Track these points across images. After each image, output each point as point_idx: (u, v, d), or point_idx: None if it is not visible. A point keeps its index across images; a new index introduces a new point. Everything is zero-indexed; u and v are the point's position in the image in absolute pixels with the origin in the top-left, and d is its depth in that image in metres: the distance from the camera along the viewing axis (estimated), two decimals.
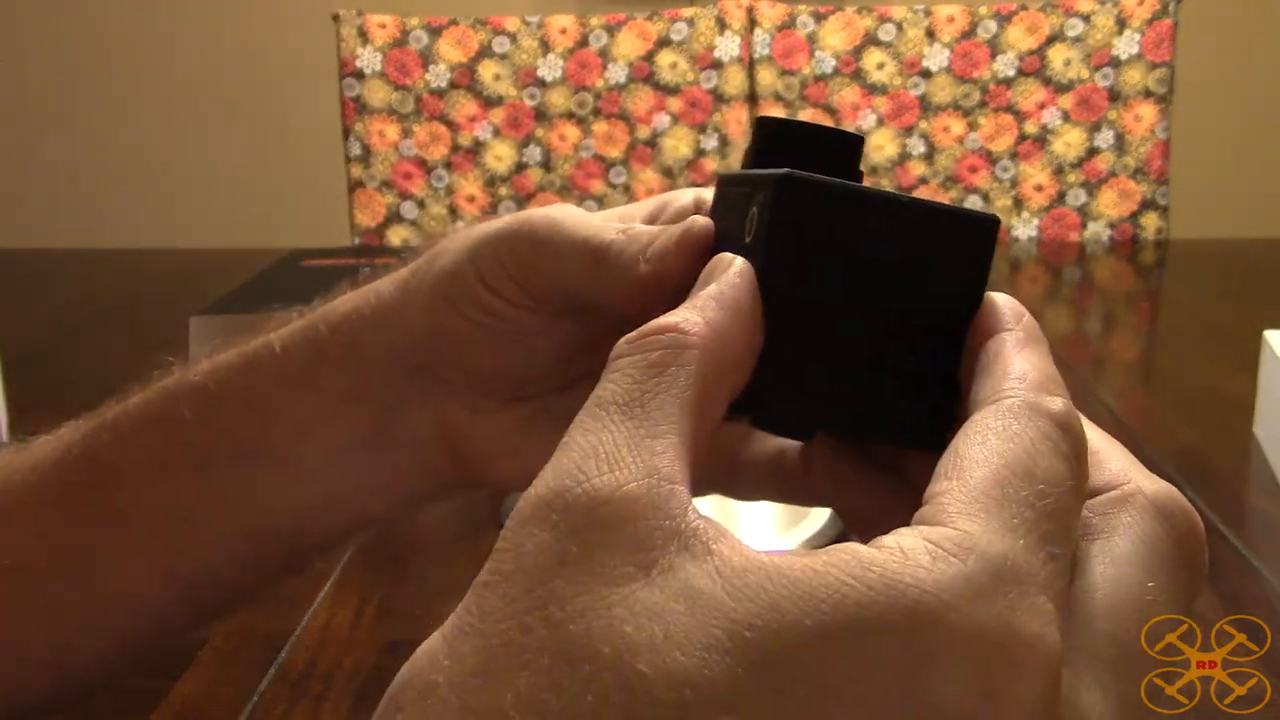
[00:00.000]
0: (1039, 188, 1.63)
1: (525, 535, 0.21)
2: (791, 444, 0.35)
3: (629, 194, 1.64)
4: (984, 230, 0.28)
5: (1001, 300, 0.28)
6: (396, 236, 1.64)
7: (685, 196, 0.36)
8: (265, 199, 2.54)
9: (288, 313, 0.39)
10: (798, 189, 0.26)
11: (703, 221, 0.32)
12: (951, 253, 0.27)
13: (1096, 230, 1.62)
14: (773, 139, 0.29)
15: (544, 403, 0.38)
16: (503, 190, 1.65)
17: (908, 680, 0.19)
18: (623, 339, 0.24)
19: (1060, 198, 1.62)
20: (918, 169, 1.63)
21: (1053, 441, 0.22)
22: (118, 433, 0.38)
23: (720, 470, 0.36)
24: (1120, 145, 1.61)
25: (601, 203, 1.64)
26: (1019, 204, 1.63)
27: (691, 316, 0.24)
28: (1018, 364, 0.25)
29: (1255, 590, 0.61)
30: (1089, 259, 1.54)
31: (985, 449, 0.22)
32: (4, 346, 0.84)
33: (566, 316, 0.36)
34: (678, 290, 0.28)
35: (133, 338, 1.16)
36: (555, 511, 0.21)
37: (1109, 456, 0.25)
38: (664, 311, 0.25)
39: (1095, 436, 0.26)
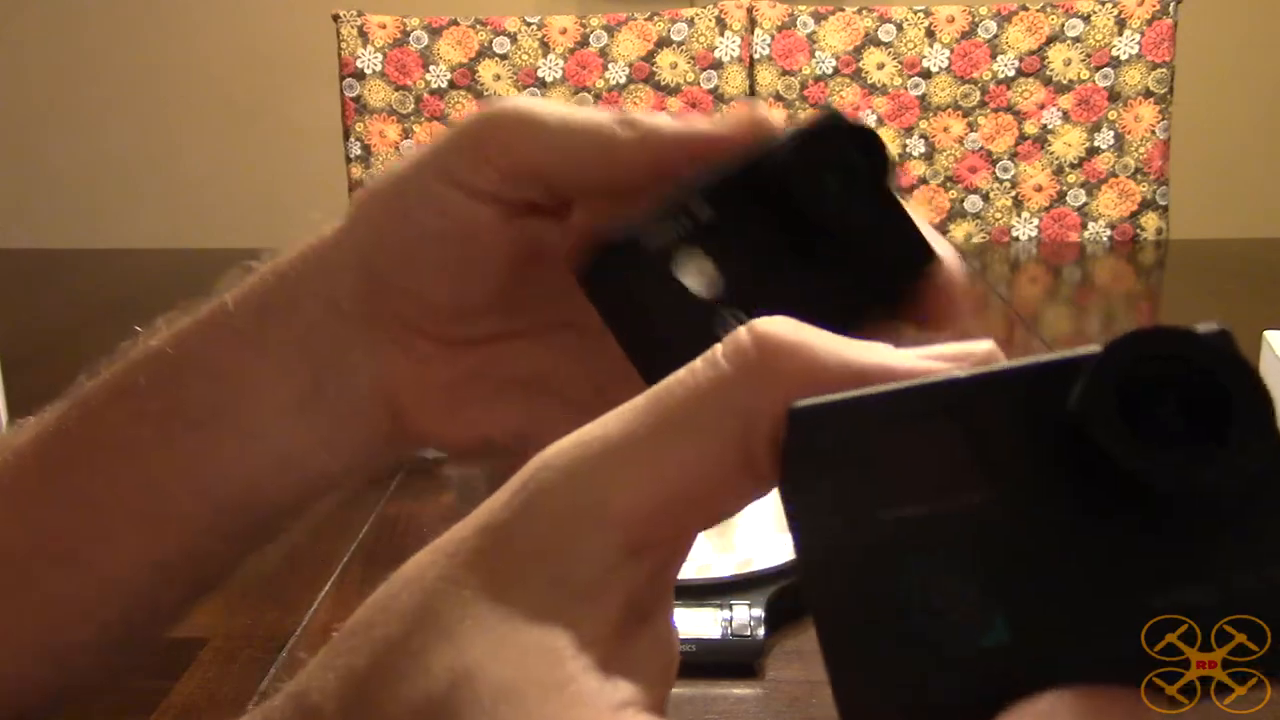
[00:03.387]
0: (1039, 188, 1.63)
1: None
2: None
3: None
4: None
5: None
6: None
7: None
8: (265, 199, 2.54)
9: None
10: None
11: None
12: None
13: (1096, 230, 1.62)
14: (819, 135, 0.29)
15: (490, 353, 0.37)
16: None
17: None
18: None
19: (1060, 198, 1.62)
20: (918, 169, 1.63)
21: None
22: (86, 408, 0.37)
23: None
24: (1120, 145, 1.61)
25: None
26: (1019, 204, 1.63)
27: None
28: None
29: None
30: (1089, 259, 1.54)
31: None
32: (4, 346, 0.84)
33: (520, 219, 0.35)
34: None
35: (133, 338, 1.16)
36: None
37: None
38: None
39: None
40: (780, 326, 0.22)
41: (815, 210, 0.29)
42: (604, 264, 0.30)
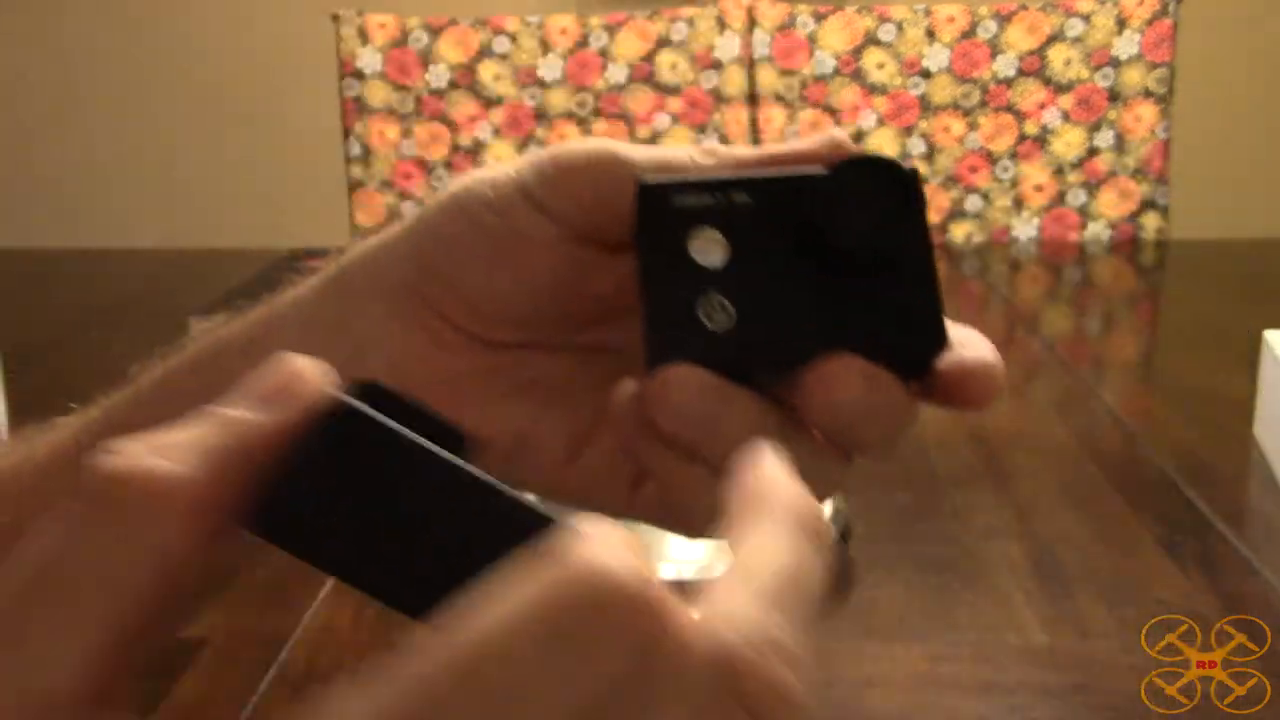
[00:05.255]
0: (1039, 188, 1.63)
1: None
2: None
3: None
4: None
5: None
6: None
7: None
8: (265, 199, 2.54)
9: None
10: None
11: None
12: None
13: (1096, 230, 1.62)
14: None
15: (510, 358, 0.37)
16: None
17: None
18: None
19: (1060, 198, 1.62)
20: (918, 169, 1.63)
21: None
22: (137, 401, 0.37)
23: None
24: (1120, 145, 1.61)
25: None
26: (1019, 204, 1.63)
27: None
28: None
29: (1255, 590, 0.61)
30: (1089, 259, 1.54)
31: None
32: (4, 346, 0.84)
33: (578, 245, 0.35)
34: None
35: (133, 338, 1.16)
36: None
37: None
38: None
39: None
40: None
41: (837, 235, 0.32)
42: (645, 195, 0.33)
